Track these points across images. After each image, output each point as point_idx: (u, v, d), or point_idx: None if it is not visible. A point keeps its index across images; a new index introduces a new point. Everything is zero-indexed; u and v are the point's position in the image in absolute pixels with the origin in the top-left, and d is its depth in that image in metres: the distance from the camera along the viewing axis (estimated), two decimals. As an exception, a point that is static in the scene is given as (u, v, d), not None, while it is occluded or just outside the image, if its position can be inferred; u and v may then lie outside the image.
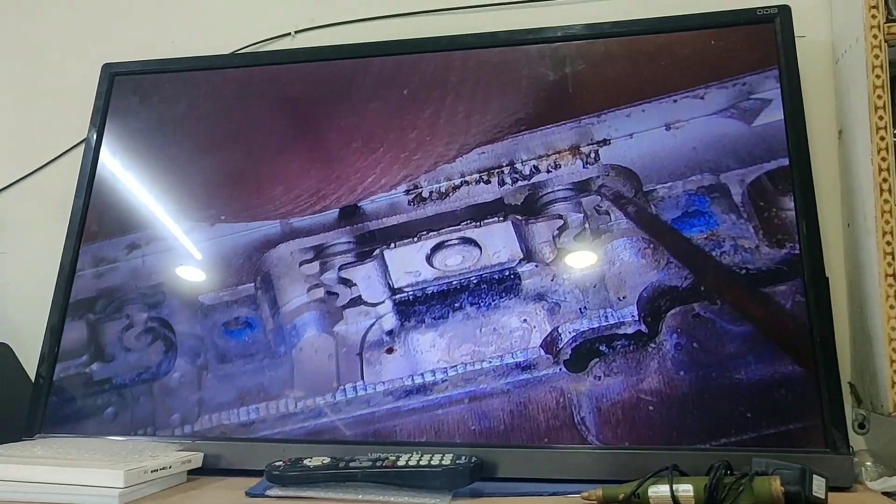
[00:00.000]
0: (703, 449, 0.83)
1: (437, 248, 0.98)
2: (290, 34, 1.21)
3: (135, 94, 1.15)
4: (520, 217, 0.97)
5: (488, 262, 0.96)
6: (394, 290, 0.97)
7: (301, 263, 1.01)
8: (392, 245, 0.99)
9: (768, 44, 0.95)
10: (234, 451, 0.93)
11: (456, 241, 0.97)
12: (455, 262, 0.96)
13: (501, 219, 0.97)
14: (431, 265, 0.97)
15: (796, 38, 0.94)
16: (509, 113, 1.01)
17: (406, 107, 1.04)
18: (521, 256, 0.95)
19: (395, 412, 0.92)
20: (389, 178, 1.02)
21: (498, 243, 0.96)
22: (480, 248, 0.96)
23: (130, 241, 1.08)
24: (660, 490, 0.70)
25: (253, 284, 1.02)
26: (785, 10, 0.95)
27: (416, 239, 0.98)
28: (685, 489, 0.69)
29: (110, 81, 1.16)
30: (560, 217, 0.96)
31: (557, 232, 0.95)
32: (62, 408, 1.01)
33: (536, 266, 0.94)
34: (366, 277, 0.98)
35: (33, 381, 1.04)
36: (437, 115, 1.02)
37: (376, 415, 0.92)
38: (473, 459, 0.80)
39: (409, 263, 0.97)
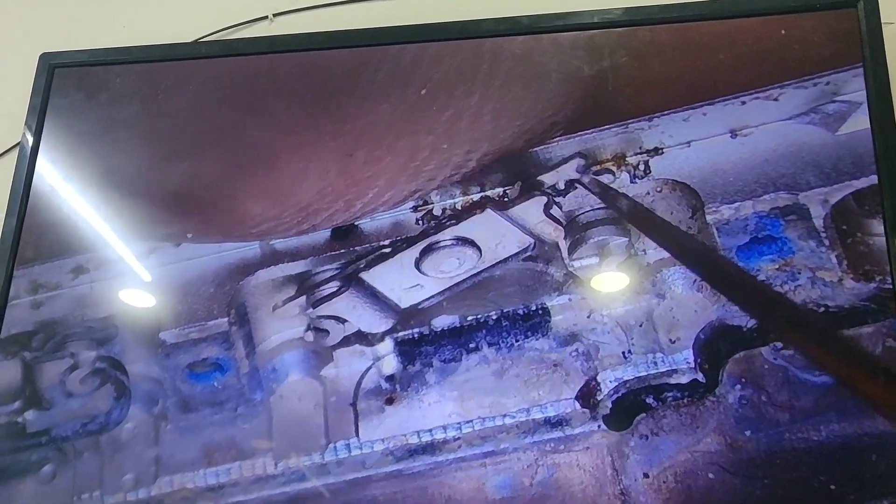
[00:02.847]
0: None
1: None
2: (267, 17, 1.12)
3: (79, 89, 1.06)
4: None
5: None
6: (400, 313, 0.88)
7: (283, 294, 0.92)
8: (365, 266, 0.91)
9: (851, 34, 0.86)
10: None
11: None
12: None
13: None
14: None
15: (883, 26, 0.85)
16: (540, 115, 0.91)
17: (416, 107, 0.95)
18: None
19: (397, 476, 0.83)
20: (395, 192, 0.92)
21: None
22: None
23: (76, 265, 0.97)
24: None
25: (227, 319, 0.92)
26: (870, -6, 0.87)
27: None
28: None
29: (49, 74, 1.06)
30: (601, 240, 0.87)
31: (597, 259, 0.86)
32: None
33: (570, 299, 0.84)
34: (351, 308, 0.89)
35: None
36: (455, 117, 0.93)
37: (373, 479, 0.83)
38: None
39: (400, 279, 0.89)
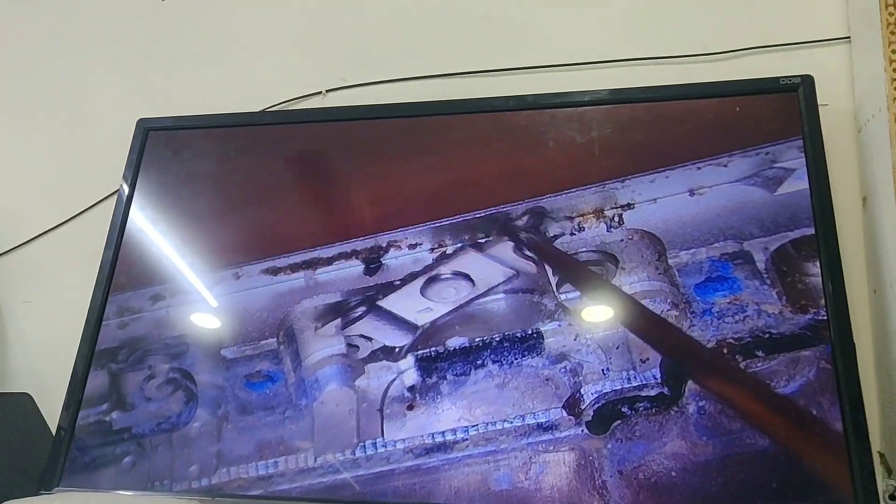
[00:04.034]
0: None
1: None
2: (321, 93, 1.23)
3: (167, 148, 1.17)
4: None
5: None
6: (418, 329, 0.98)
7: (323, 318, 1.02)
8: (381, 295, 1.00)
9: (792, 113, 0.95)
10: (253, 507, 0.92)
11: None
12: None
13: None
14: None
15: (819, 107, 0.94)
16: (536, 175, 1.02)
17: (435, 168, 1.05)
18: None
19: (415, 470, 0.91)
20: (414, 235, 1.03)
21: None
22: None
23: (155, 293, 1.08)
24: None
25: (276, 339, 1.02)
26: (808, 80, 0.96)
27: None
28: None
29: (144, 136, 1.18)
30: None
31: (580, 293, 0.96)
32: (80, 457, 1.01)
33: (559, 325, 0.94)
34: (376, 328, 0.99)
35: (53, 431, 1.04)
36: (465, 176, 1.04)
37: (396, 472, 0.91)
38: None
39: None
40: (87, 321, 1.08)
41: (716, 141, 0.97)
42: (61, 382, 1.05)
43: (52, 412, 1.06)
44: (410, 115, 1.10)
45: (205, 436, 0.99)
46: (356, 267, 1.03)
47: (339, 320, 1.01)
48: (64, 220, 1.30)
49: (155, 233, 1.12)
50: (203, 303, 1.07)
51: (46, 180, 1.34)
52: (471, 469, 0.89)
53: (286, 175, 1.13)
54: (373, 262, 1.03)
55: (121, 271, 1.10)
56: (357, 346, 0.99)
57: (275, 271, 1.05)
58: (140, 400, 1.03)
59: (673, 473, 0.85)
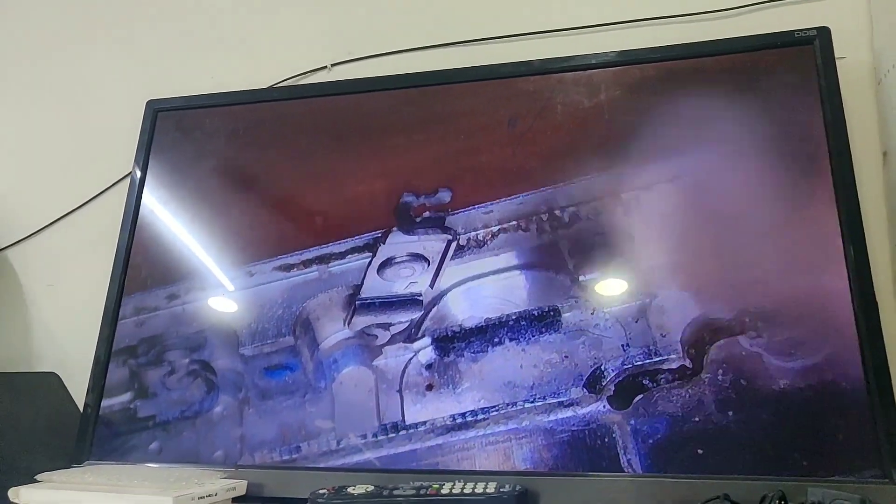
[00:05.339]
0: (756, 478, 0.80)
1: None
2: (326, 67, 1.22)
3: (177, 129, 1.18)
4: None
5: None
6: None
7: (339, 307, 1.02)
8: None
9: (808, 67, 0.92)
10: (277, 479, 0.94)
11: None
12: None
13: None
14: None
15: (836, 60, 0.91)
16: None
17: (444, 141, 1.04)
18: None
19: (437, 449, 0.92)
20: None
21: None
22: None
23: (170, 292, 1.09)
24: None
25: (292, 336, 1.02)
26: (824, 33, 0.93)
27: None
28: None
29: (154, 117, 1.19)
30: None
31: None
32: (108, 439, 1.03)
33: (576, 301, 0.93)
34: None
35: (81, 409, 1.07)
36: (475, 153, 1.02)
37: (418, 452, 0.92)
38: (518, 488, 0.79)
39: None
40: (104, 314, 1.10)
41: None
42: (85, 362, 1.08)
43: (78, 390, 1.10)
44: (414, 84, 1.09)
45: (228, 419, 1.00)
46: (367, 261, 1.03)
47: (352, 308, 1.01)
48: (80, 204, 1.32)
49: (168, 216, 1.13)
50: (218, 298, 1.07)
51: (61, 166, 1.36)
52: (493, 448, 0.90)
53: (293, 150, 1.12)
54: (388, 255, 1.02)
55: (136, 257, 1.12)
56: (375, 335, 0.99)
57: (288, 266, 1.05)
58: (162, 390, 1.05)
59: (699, 451, 0.84)
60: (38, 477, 0.87)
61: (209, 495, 0.84)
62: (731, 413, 0.84)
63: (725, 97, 0.95)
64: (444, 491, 0.78)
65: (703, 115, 0.95)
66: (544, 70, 1.03)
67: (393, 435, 0.93)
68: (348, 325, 1.00)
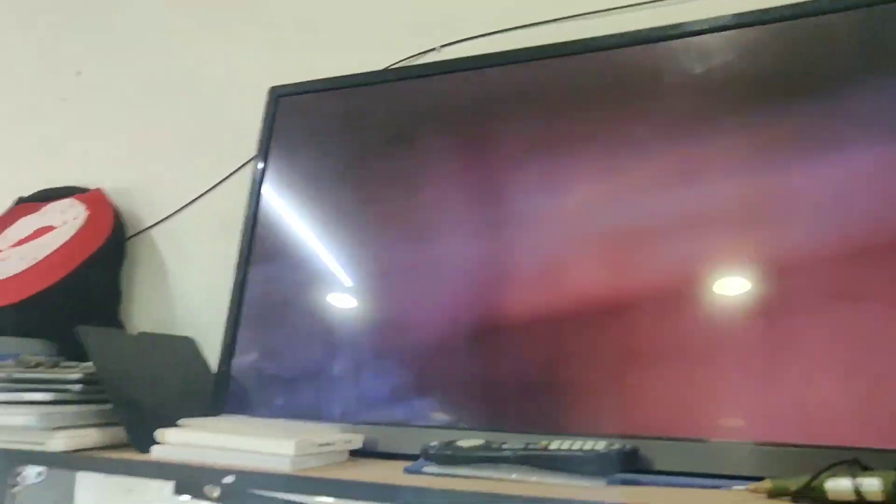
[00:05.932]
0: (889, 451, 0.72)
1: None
2: (435, 49, 1.24)
3: (299, 113, 1.23)
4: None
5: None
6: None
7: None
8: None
9: None
10: (391, 436, 0.97)
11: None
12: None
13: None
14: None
15: None
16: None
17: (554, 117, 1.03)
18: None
19: None
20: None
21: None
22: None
23: (292, 263, 1.14)
24: (840, 484, 0.64)
25: None
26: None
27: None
28: (870, 483, 0.63)
29: (275, 103, 1.24)
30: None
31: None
32: (238, 395, 1.10)
33: None
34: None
35: (215, 370, 1.14)
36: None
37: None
38: (627, 447, 0.79)
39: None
40: (234, 285, 1.17)
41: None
42: (216, 327, 1.16)
43: (211, 354, 1.18)
44: (521, 60, 1.08)
45: (346, 380, 1.05)
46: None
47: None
48: (211, 187, 1.42)
49: (289, 198, 1.19)
50: (337, 271, 1.11)
51: (192, 152, 1.47)
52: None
53: (412, 132, 1.14)
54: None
55: (259, 237, 1.18)
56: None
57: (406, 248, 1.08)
58: (286, 350, 1.11)
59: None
60: (179, 422, 0.94)
61: (328, 443, 0.89)
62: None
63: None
64: (553, 447, 0.78)
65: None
66: (651, 38, 1.01)
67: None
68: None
